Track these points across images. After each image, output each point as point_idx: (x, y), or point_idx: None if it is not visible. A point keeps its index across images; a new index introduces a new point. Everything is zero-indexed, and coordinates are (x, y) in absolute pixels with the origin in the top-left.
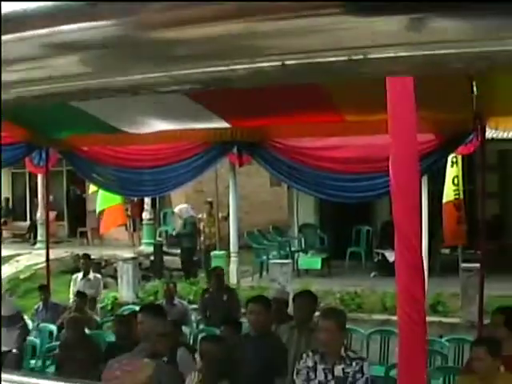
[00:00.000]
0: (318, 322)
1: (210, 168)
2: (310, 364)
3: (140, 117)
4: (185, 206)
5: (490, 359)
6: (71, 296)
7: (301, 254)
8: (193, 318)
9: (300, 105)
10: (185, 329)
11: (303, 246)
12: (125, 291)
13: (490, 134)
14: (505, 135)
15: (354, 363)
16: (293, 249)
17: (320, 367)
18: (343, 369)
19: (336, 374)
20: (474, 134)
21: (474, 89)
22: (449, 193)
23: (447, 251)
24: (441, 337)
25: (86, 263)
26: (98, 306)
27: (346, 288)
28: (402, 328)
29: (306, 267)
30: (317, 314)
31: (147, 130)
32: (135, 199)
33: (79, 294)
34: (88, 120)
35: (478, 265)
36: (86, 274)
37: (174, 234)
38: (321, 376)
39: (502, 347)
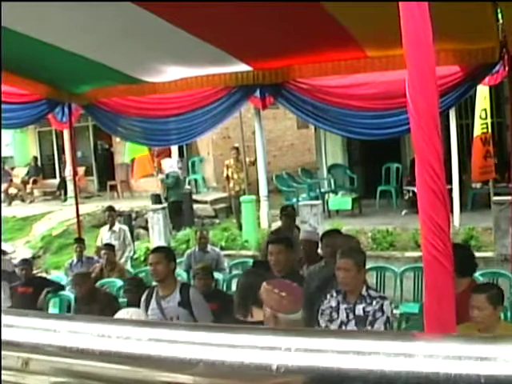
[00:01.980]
0: (337, 261)
1: (233, 113)
2: (334, 304)
3: (159, 65)
4: (169, 160)
5: (491, 308)
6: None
7: (331, 194)
8: (225, 264)
9: (321, 43)
10: (218, 275)
11: (333, 186)
12: (157, 241)
13: None
14: None
15: (374, 302)
16: (322, 190)
17: (342, 307)
18: (364, 308)
19: (357, 313)
20: (500, 63)
21: (499, 16)
22: (477, 127)
23: (478, 185)
24: None
25: (111, 215)
26: (126, 255)
27: (377, 227)
28: (427, 258)
29: (336, 208)
30: None
31: (168, 79)
32: (156, 149)
33: (107, 246)
34: (107, 72)
35: (509, 198)
36: (111, 226)
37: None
38: (343, 316)
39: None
